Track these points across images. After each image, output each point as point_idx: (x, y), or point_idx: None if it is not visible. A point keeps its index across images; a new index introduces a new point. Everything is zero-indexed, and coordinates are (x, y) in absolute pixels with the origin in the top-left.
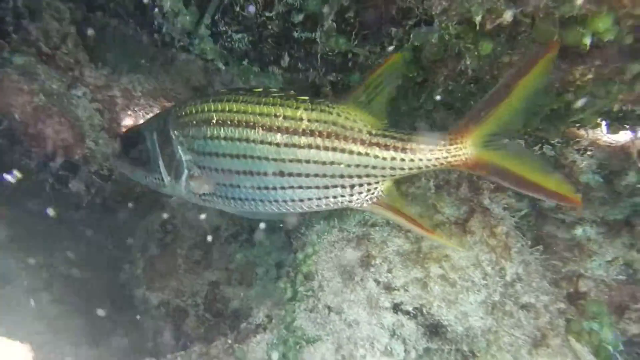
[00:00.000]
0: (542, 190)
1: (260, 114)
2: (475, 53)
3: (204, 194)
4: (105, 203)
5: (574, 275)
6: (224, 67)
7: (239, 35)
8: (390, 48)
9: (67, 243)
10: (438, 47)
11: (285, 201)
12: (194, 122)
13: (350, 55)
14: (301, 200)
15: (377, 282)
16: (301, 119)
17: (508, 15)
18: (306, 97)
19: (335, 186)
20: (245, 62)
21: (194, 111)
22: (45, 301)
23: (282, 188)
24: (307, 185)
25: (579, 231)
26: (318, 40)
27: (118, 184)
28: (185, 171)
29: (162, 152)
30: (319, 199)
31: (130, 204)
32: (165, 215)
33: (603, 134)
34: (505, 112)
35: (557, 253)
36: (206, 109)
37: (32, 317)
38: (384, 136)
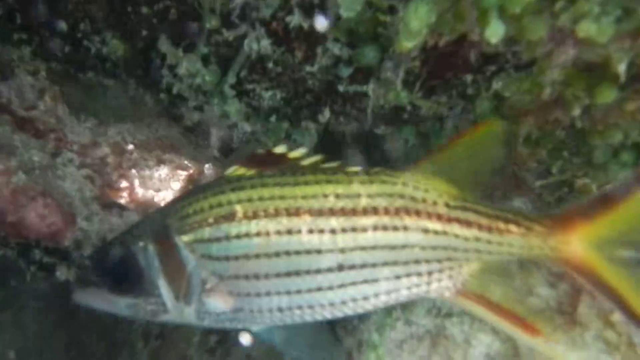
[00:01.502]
0: None
1: (304, 197)
2: (587, 101)
3: (223, 313)
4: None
5: None
6: (249, 129)
7: (270, 93)
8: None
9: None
10: (531, 97)
11: (344, 302)
12: (209, 220)
13: (409, 107)
14: (365, 299)
15: None
16: (359, 195)
17: None
18: (358, 168)
19: (409, 275)
20: (273, 119)
21: (206, 207)
22: None
23: (341, 286)
24: (374, 278)
25: None
26: (371, 93)
27: None
28: (198, 287)
29: (164, 267)
30: (389, 293)
31: None
32: None
33: None
34: (627, 214)
35: None
36: (224, 202)
37: None
38: (465, 209)
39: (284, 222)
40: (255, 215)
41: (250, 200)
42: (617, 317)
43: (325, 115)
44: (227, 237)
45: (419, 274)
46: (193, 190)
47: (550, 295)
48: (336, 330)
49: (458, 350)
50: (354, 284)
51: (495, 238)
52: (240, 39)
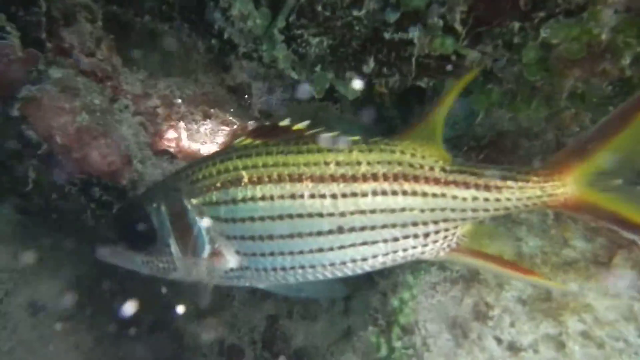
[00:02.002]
0: None
1: (306, 164)
2: (638, 49)
3: (231, 269)
4: None
5: None
6: (296, 77)
7: (317, 39)
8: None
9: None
10: (580, 44)
11: (344, 263)
12: (217, 184)
13: (454, 58)
14: (364, 260)
15: (499, 341)
16: (359, 163)
17: None
18: (357, 137)
19: (407, 237)
20: (318, 69)
21: (214, 172)
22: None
23: (341, 247)
24: (373, 240)
25: None
26: (416, 41)
27: None
28: (207, 246)
29: (175, 227)
30: (386, 254)
31: None
32: None
33: None
34: (620, 146)
35: None
36: (231, 167)
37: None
38: (462, 172)
39: (287, 187)
40: (260, 181)
41: (255, 166)
42: None
43: (370, 65)
44: (234, 201)
45: (416, 236)
46: (203, 158)
47: (586, 247)
48: (372, 274)
49: (491, 294)
50: (353, 245)
51: (493, 195)
52: None
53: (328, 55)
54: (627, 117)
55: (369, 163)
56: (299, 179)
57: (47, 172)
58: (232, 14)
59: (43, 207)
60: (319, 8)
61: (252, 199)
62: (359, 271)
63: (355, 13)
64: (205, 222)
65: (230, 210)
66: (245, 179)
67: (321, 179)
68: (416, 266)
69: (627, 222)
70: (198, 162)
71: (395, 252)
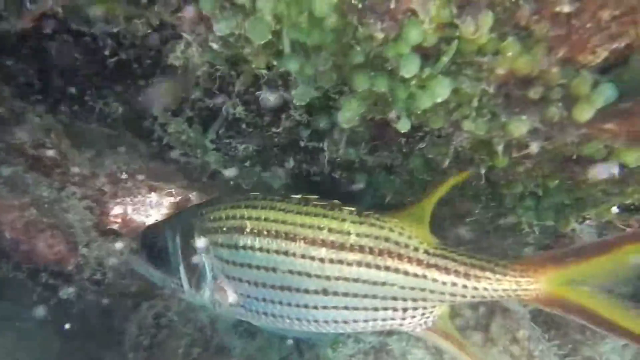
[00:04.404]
0: (624, 332)
1: (302, 225)
2: (490, 163)
3: (231, 305)
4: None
5: None
6: (227, 174)
7: (244, 146)
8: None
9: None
10: (447, 155)
11: (326, 322)
12: (224, 228)
13: (357, 160)
14: (345, 322)
15: None
16: (349, 233)
17: (534, 147)
18: (353, 208)
19: (386, 308)
20: (247, 164)
21: (223, 216)
22: None
23: (325, 308)
24: (354, 306)
25: None
26: (326, 149)
27: (111, 287)
28: (209, 280)
29: (185, 257)
30: (366, 321)
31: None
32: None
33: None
34: (595, 268)
35: (568, 335)
36: (238, 215)
37: None
38: (444, 257)
39: (282, 244)
40: (259, 233)
41: (258, 219)
42: (522, 334)
43: (291, 163)
44: (236, 246)
45: (395, 309)
46: (217, 198)
47: (471, 316)
48: (300, 345)
49: None
50: (336, 307)
51: (471, 284)
52: (219, 106)
53: (255, 156)
54: (606, 248)
55: (358, 235)
56: (294, 238)
57: None
58: (169, 130)
59: None
60: (243, 126)
61: (252, 248)
62: (341, 331)
63: (274, 129)
64: (209, 259)
65: (232, 254)
66: (248, 229)
67: (313, 242)
68: (335, 338)
69: (595, 317)
70: (212, 202)
71: (375, 320)
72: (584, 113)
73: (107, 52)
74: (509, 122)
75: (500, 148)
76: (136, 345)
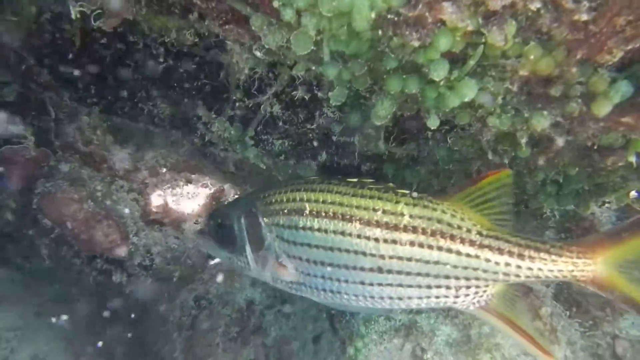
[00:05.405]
0: None
1: (358, 207)
2: (513, 154)
3: (291, 282)
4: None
5: (610, 337)
6: (264, 167)
7: (280, 142)
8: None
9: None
10: (474, 148)
11: (382, 298)
12: (285, 210)
13: (386, 153)
14: (400, 299)
15: None
16: (402, 214)
17: (560, 141)
18: (406, 191)
19: (439, 286)
20: (282, 158)
21: (284, 199)
22: None
23: (380, 285)
24: (408, 284)
25: None
26: (356, 143)
27: (157, 272)
28: (273, 259)
29: (250, 237)
30: (420, 298)
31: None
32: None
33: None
34: None
35: (589, 312)
36: (298, 198)
37: None
38: (497, 238)
39: (339, 225)
40: (318, 214)
41: (317, 201)
42: (544, 310)
43: (323, 156)
44: (296, 227)
45: (448, 288)
46: (277, 183)
47: None
48: (334, 323)
49: (425, 339)
50: (390, 284)
51: (525, 264)
52: (257, 105)
53: (289, 150)
54: None
55: (411, 216)
56: (350, 219)
57: (56, 249)
58: (212, 129)
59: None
60: (280, 123)
61: (310, 228)
62: (396, 307)
63: (308, 126)
64: (272, 239)
65: (292, 234)
66: (307, 211)
67: (368, 223)
68: (367, 317)
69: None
70: (272, 187)
71: (428, 297)
72: (603, 108)
73: (160, 59)
74: (531, 117)
75: (523, 141)
76: (179, 325)
